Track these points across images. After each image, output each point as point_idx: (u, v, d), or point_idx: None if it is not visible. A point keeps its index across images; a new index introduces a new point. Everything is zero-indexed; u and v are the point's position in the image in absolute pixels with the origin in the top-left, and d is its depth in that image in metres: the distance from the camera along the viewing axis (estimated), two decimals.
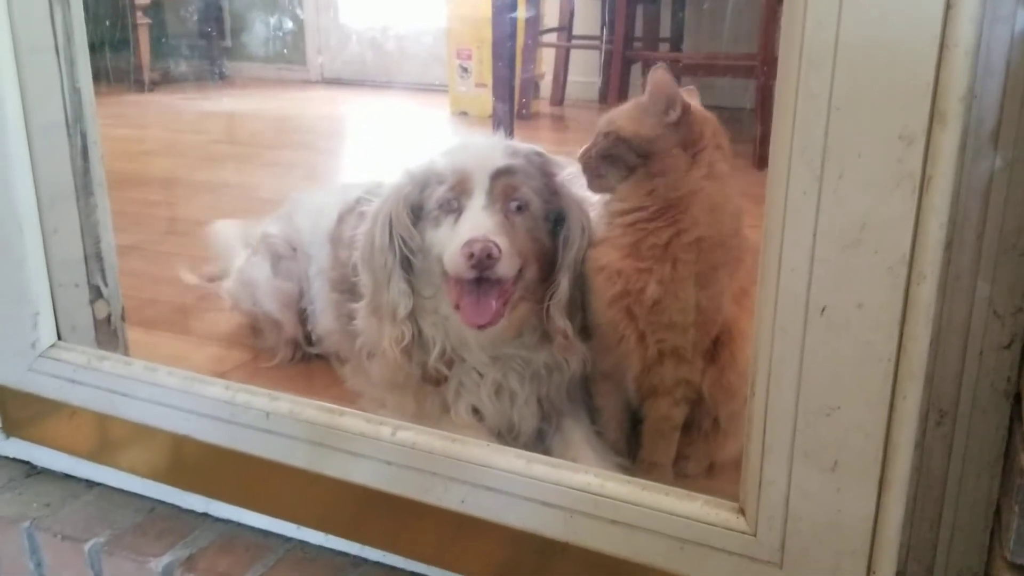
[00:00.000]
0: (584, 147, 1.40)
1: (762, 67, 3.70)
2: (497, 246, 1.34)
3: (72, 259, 1.50)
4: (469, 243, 1.34)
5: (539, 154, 1.48)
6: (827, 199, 0.88)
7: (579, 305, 1.44)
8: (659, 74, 1.33)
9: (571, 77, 5.12)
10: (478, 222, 1.37)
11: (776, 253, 0.92)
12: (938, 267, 0.87)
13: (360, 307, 1.54)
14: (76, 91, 1.47)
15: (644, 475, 1.24)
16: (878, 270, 0.88)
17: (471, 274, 1.35)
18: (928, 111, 0.83)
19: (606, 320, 1.39)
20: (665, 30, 4.58)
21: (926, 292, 0.88)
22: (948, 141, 0.84)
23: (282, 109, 5.31)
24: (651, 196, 1.34)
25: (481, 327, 1.38)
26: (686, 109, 1.33)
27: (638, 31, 4.26)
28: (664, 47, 4.56)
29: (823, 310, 0.91)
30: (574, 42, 5.07)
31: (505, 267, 1.36)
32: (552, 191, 1.45)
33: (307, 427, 1.26)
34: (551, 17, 5.06)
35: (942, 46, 0.81)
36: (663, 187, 1.33)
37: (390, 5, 5.65)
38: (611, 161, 1.37)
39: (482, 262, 1.33)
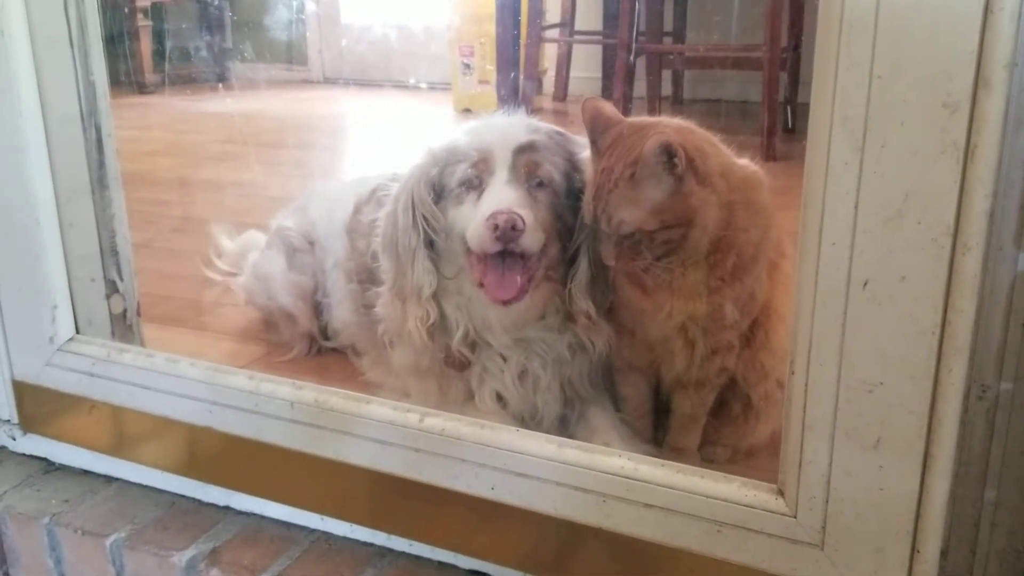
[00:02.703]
0: (604, 253, 1.29)
1: (768, 59, 3.69)
2: (522, 218, 1.33)
3: (88, 253, 1.49)
4: (494, 215, 1.33)
5: (560, 133, 1.47)
6: (869, 170, 0.87)
7: (600, 285, 1.42)
8: (660, 139, 1.18)
9: (573, 73, 5.11)
10: (502, 196, 1.36)
11: (816, 226, 0.91)
12: (983, 238, 0.85)
13: (381, 292, 1.53)
14: (90, 84, 1.45)
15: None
16: (922, 242, 0.87)
17: (496, 247, 1.34)
18: (972, 78, 0.82)
19: (659, 336, 1.38)
20: (668, 23, 4.57)
21: (971, 263, 0.86)
22: (993, 109, 0.82)
23: (285, 109, 5.30)
24: (704, 242, 1.26)
25: (506, 302, 1.37)
26: (685, 149, 1.21)
27: (641, 25, 4.24)
28: (667, 41, 4.55)
29: (865, 284, 0.90)
30: (576, 37, 5.06)
31: (529, 240, 1.35)
32: (573, 169, 1.43)
33: (333, 416, 1.24)
34: (553, 13, 5.05)
35: (986, 10, 0.80)
36: (713, 228, 1.25)
37: (391, 4, 5.64)
38: (653, 252, 1.25)
39: (507, 234, 1.32)
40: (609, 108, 1.30)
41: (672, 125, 1.28)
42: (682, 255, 1.26)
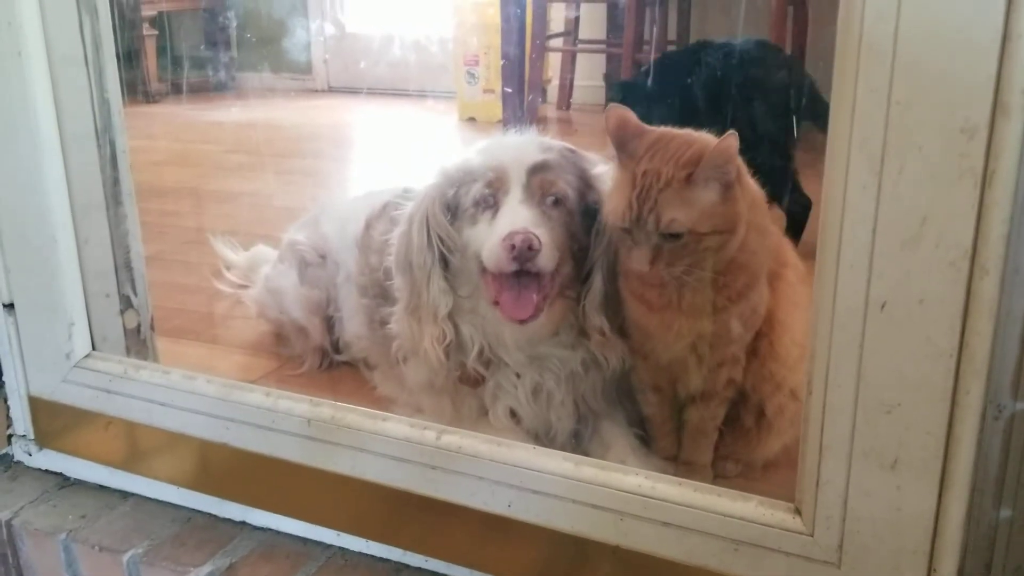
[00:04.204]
0: (637, 259, 1.26)
1: None
2: (538, 238, 1.33)
3: (103, 269, 1.50)
4: (510, 235, 1.33)
5: (572, 150, 1.48)
6: (887, 194, 0.87)
7: (614, 301, 1.43)
8: (728, 142, 1.19)
9: (577, 82, 5.12)
10: (517, 215, 1.37)
11: (834, 249, 0.92)
12: (1001, 261, 0.86)
13: (395, 311, 1.53)
14: (105, 101, 1.46)
15: (684, 477, 1.23)
16: (940, 265, 0.87)
17: (512, 267, 1.35)
18: (991, 103, 0.83)
19: (668, 355, 1.39)
20: (672, 32, 4.57)
21: (989, 286, 0.87)
22: (1011, 134, 0.83)
23: (290, 118, 5.30)
24: (729, 254, 1.27)
25: (522, 321, 1.38)
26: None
27: (645, 34, 4.25)
28: (671, 50, 4.55)
29: (883, 306, 0.90)
30: (580, 46, 5.07)
31: (545, 259, 1.35)
32: (586, 186, 1.44)
33: (350, 433, 1.25)
34: (557, 23, 5.06)
35: (1005, 36, 0.81)
36: (739, 240, 1.26)
37: (396, 14, 5.65)
38: (694, 258, 1.25)
39: (523, 254, 1.33)
40: (633, 116, 1.30)
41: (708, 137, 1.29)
42: (709, 268, 1.27)
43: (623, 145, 1.28)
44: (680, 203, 1.21)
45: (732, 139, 1.19)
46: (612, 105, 1.29)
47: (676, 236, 1.22)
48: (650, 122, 1.30)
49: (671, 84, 2.61)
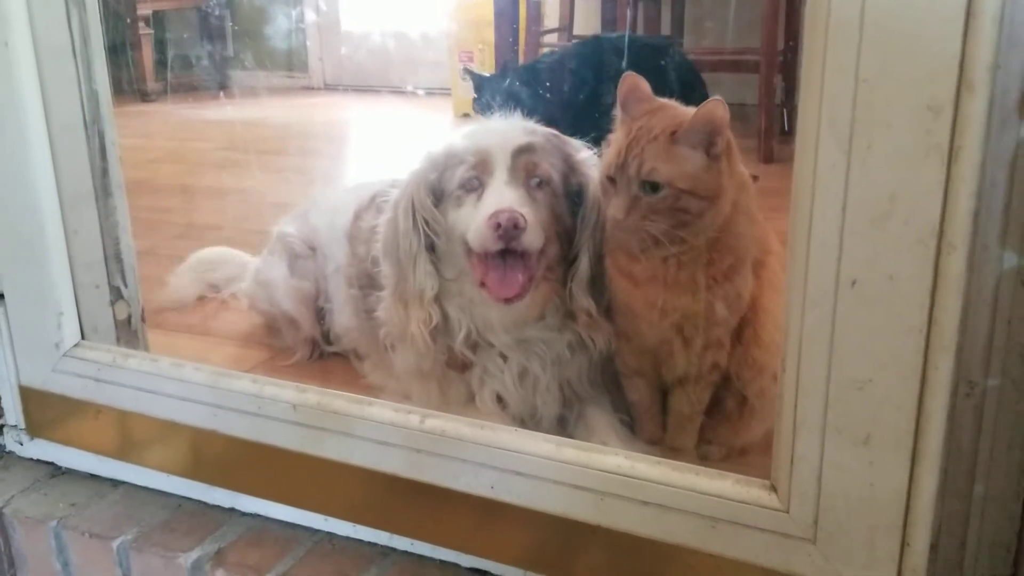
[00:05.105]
0: (614, 206, 1.29)
1: (764, 62, 3.71)
2: (523, 216, 1.35)
3: (92, 260, 1.51)
4: (496, 214, 1.35)
5: (556, 135, 1.49)
6: (856, 172, 0.89)
7: (600, 283, 1.44)
8: (715, 104, 1.22)
9: None
10: (503, 196, 1.39)
11: (805, 227, 0.93)
12: (968, 238, 0.87)
13: (383, 296, 1.54)
14: (93, 93, 1.47)
15: None
16: (908, 242, 0.88)
17: (498, 246, 1.36)
18: (955, 80, 0.84)
19: (653, 336, 1.40)
20: (665, 27, 4.58)
21: (956, 263, 0.88)
22: (976, 110, 0.84)
23: (286, 116, 5.31)
24: (711, 230, 1.29)
25: (508, 300, 1.39)
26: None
27: (638, 28, 4.26)
28: None
29: (854, 283, 0.91)
30: (574, 42, 5.07)
31: (531, 239, 1.37)
32: (570, 170, 1.46)
33: (335, 418, 1.26)
34: (551, 18, 5.07)
35: (968, 13, 0.82)
36: (722, 217, 1.29)
37: (391, 11, 5.66)
38: (668, 219, 1.27)
39: (509, 232, 1.34)
40: (646, 85, 1.33)
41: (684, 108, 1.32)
42: (686, 239, 1.29)
43: (629, 108, 1.31)
44: (664, 156, 1.25)
45: (715, 104, 1.22)
46: (628, 72, 1.32)
47: (655, 188, 1.25)
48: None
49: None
